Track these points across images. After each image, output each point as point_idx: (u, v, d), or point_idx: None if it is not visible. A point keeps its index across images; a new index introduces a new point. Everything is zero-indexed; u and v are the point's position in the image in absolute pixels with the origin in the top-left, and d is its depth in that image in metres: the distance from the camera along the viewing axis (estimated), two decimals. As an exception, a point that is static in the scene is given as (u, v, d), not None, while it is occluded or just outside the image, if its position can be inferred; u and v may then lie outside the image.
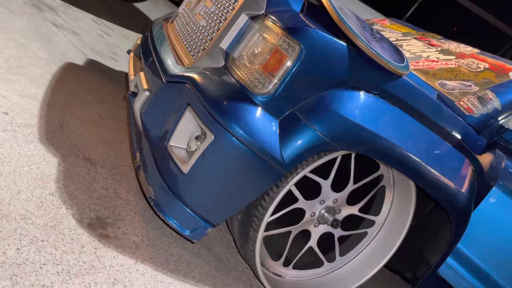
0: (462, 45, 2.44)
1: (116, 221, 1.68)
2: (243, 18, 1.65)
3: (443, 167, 1.69)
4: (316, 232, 1.93)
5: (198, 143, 1.55)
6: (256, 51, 1.58)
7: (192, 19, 2.04)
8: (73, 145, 1.96)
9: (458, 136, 1.75)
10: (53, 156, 1.81)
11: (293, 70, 1.47)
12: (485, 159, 1.84)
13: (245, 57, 1.60)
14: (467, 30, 5.62)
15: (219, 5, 1.86)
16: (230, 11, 1.75)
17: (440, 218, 1.97)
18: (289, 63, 1.47)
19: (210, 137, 1.47)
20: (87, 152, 1.98)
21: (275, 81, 1.48)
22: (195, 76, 1.62)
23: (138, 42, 2.40)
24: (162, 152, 1.62)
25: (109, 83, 2.86)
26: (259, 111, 1.49)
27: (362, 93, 1.57)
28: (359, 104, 1.56)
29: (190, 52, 1.85)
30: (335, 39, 1.50)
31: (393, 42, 2.49)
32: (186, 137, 1.61)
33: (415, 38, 2.53)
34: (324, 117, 1.50)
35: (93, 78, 2.78)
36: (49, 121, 2.02)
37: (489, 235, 1.85)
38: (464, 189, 1.74)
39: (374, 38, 1.62)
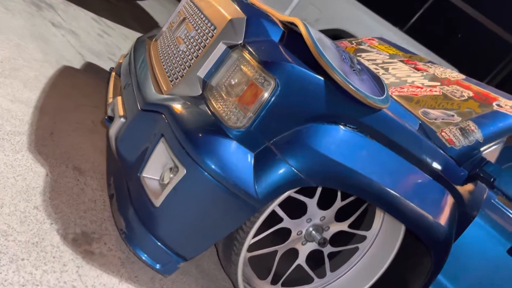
0: (448, 70, 2.35)
1: (102, 236, 1.57)
2: (221, 47, 1.53)
3: (422, 200, 1.61)
4: (304, 250, 1.83)
5: (171, 175, 1.43)
6: (233, 82, 1.47)
7: (173, 41, 1.91)
8: (63, 154, 1.84)
9: (439, 169, 1.66)
10: (41, 166, 1.69)
11: (269, 105, 1.36)
12: (467, 190, 1.76)
13: (222, 87, 1.49)
14: (471, 39, 5.50)
15: (199, 31, 1.74)
16: (209, 38, 1.63)
17: (421, 248, 1.89)
18: (264, 98, 1.36)
19: (182, 172, 1.36)
20: (77, 161, 1.85)
21: (250, 115, 1.37)
22: (171, 105, 1.50)
23: (121, 61, 2.27)
24: (135, 182, 1.51)
25: (105, 86, 2.73)
26: (233, 146, 1.38)
27: (339, 127, 1.47)
28: (336, 139, 1.46)
29: (169, 77, 1.73)
30: (312, 73, 1.39)
31: (380, 65, 2.40)
32: (160, 168, 1.49)
33: (401, 61, 2.43)
34: (299, 153, 1.40)
35: (89, 81, 2.65)
36: (39, 128, 1.89)
37: (471, 266, 1.78)
38: (444, 221, 1.66)
39: (354, 70, 1.52)
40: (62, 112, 2.14)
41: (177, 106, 1.52)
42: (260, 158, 1.41)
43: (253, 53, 1.45)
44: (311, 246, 1.84)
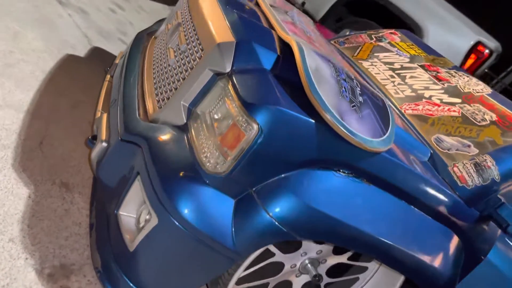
0: (474, 81, 2.11)
1: (82, 266, 1.50)
2: (207, 73, 1.37)
3: (422, 246, 1.46)
4: (298, 281, 1.72)
5: (147, 216, 1.33)
6: (217, 117, 1.32)
7: (166, 52, 1.75)
8: (51, 167, 1.75)
9: (445, 210, 1.51)
10: (24, 185, 1.61)
11: (250, 152, 1.20)
12: (476, 229, 1.60)
13: (206, 120, 1.35)
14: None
15: (189, 46, 1.57)
16: (197, 58, 1.47)
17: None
18: (245, 144, 1.20)
19: (155, 220, 1.26)
20: (66, 175, 1.77)
21: (231, 160, 1.23)
22: (150, 138, 1.38)
23: (117, 61, 2.12)
24: (113, 218, 1.41)
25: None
26: (211, 193, 1.25)
27: (331, 173, 1.31)
28: (326, 187, 1.31)
29: (157, 96, 1.58)
30: (301, 116, 1.22)
31: (397, 71, 2.18)
32: (137, 207, 1.39)
33: (422, 67, 2.20)
34: (282, 204, 1.26)
35: (91, 71, 2.52)
36: (28, 138, 1.80)
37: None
38: (446, 265, 1.52)
39: (353, 106, 1.33)
40: (56, 113, 2.04)
41: (156, 140, 1.39)
42: (241, 206, 1.29)
43: (238, 88, 1.29)
44: (306, 278, 1.74)
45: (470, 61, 5.54)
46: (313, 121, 1.25)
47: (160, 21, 2.43)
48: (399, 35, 2.61)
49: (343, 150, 1.31)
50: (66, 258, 1.49)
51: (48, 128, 1.92)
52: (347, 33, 3.07)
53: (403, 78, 2.10)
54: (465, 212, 1.55)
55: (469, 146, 1.68)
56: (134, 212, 1.42)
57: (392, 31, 2.66)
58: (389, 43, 2.48)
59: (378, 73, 2.16)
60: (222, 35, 1.46)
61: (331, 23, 6.48)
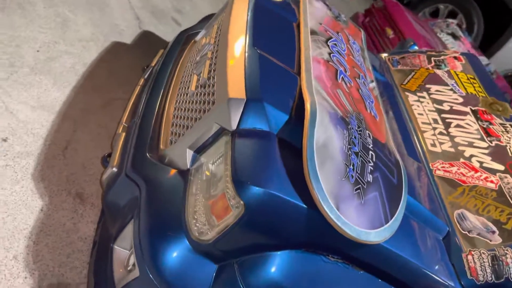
0: (528, 141, 1.89)
1: (78, 286, 1.61)
2: (215, 126, 1.35)
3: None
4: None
5: (135, 260, 1.36)
6: (218, 175, 1.30)
7: (192, 76, 1.71)
8: (70, 176, 1.85)
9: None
10: (39, 197, 1.71)
11: (235, 229, 1.18)
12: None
13: (205, 172, 1.33)
14: None
15: (208, 83, 1.53)
16: (211, 102, 1.43)
17: None
18: (231, 220, 1.18)
19: (136, 273, 1.29)
20: (83, 184, 1.86)
21: (215, 232, 1.21)
22: (151, 181, 1.40)
23: (153, 64, 2.10)
24: (110, 249, 1.46)
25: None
26: (193, 257, 1.26)
27: (319, 257, 1.27)
28: (310, 272, 1.26)
29: (171, 127, 1.58)
30: (293, 200, 1.17)
31: (443, 115, 1.99)
32: (130, 245, 1.43)
33: (474, 113, 1.99)
34: (262, 283, 1.24)
35: (133, 62, 2.55)
36: (54, 142, 1.90)
37: None
38: None
39: (357, 189, 1.24)
40: (87, 113, 2.11)
41: (155, 187, 1.41)
42: (222, 274, 1.30)
43: (235, 156, 1.25)
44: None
45: None
46: (305, 206, 1.20)
47: (207, 18, 2.36)
48: (463, 61, 2.36)
49: (336, 238, 1.25)
50: (64, 277, 1.60)
51: (76, 131, 2.00)
52: (410, 44, 2.83)
53: (447, 126, 1.92)
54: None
55: (493, 232, 1.53)
56: (128, 248, 1.48)
57: (457, 55, 2.41)
58: (447, 72, 2.26)
59: (422, 114, 1.99)
60: (235, 88, 1.41)
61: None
